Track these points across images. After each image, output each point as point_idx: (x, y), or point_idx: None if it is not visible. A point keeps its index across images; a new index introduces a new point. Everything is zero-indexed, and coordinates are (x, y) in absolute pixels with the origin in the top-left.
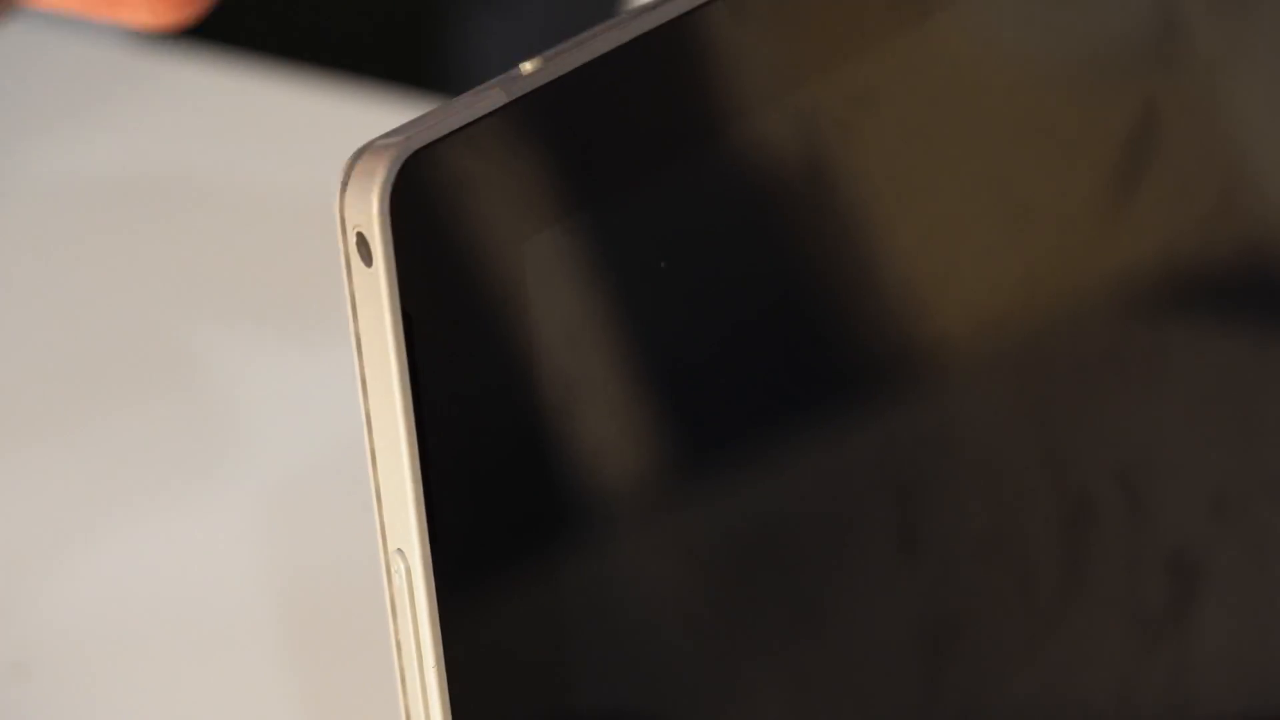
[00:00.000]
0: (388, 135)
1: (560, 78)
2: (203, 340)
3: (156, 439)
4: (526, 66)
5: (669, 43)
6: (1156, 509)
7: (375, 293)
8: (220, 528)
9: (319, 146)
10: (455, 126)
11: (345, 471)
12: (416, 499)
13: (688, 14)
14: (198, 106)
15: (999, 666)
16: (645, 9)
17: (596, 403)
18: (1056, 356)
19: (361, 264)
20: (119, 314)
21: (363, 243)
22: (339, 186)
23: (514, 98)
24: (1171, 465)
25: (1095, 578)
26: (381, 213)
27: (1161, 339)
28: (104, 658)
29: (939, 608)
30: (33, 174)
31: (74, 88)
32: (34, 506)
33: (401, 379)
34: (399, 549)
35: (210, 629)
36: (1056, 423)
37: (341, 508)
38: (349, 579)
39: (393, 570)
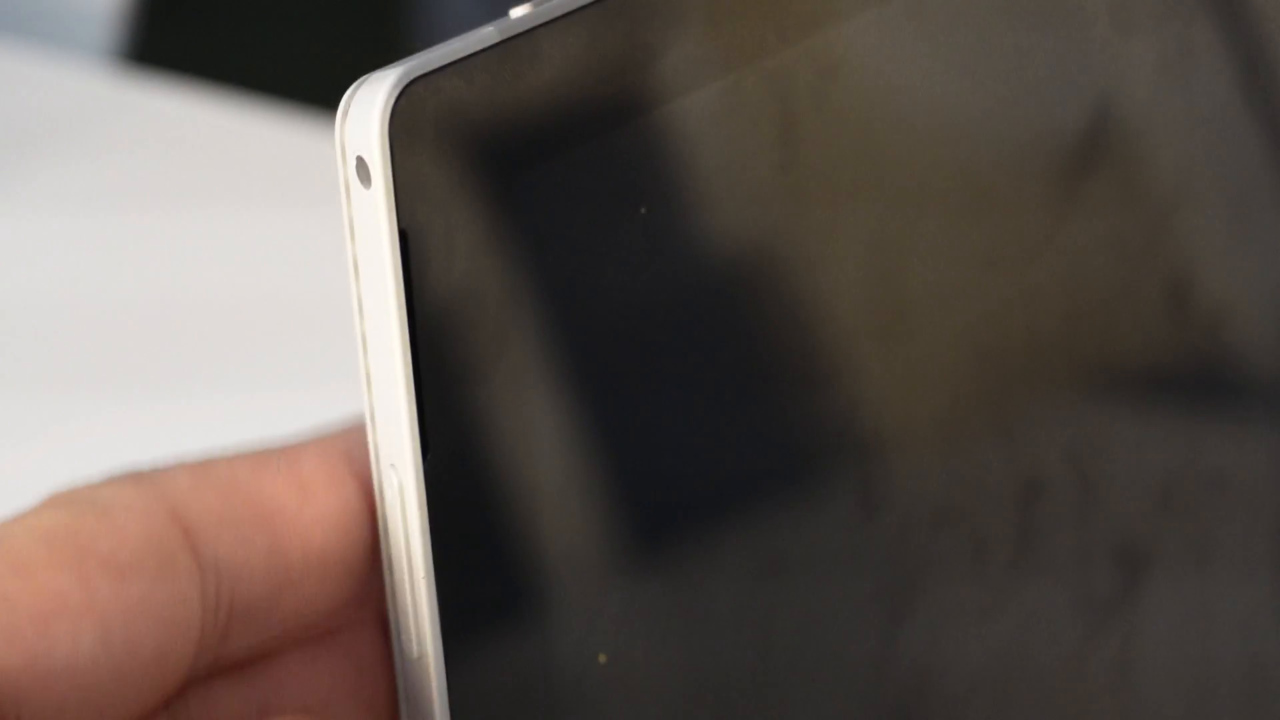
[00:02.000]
0: (386, 68)
1: (549, 21)
2: (183, 357)
3: (141, 448)
4: (517, 11)
5: None
6: (1103, 498)
7: (373, 212)
8: None
9: (294, 175)
10: (450, 60)
11: None
12: (410, 415)
13: None
14: (173, 136)
15: (952, 632)
16: None
17: (587, 330)
18: (1010, 341)
19: (360, 187)
20: (101, 334)
21: (362, 166)
22: (339, 117)
23: (506, 36)
24: (1119, 455)
25: (1044, 557)
26: (381, 134)
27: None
28: None
29: (895, 573)
30: (9, 202)
31: (49, 116)
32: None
33: (398, 294)
34: (392, 464)
35: None
36: (1011, 406)
37: None
38: None
39: (385, 486)
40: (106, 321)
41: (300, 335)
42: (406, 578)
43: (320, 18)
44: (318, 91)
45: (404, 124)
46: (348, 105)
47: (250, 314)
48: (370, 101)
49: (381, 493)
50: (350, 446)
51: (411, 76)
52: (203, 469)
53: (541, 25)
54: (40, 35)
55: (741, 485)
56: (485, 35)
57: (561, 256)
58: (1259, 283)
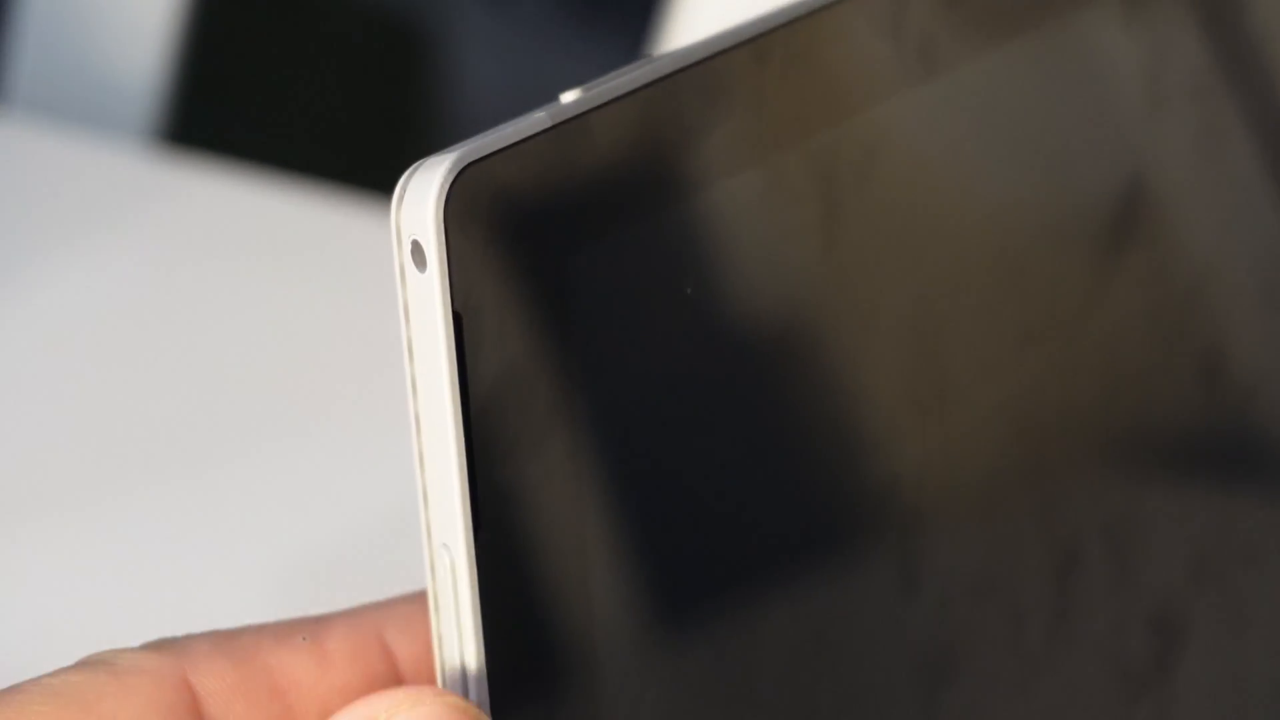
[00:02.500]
0: (441, 152)
1: (599, 106)
2: (221, 438)
3: (178, 526)
4: (568, 96)
5: (696, 81)
6: (1138, 569)
7: (428, 295)
8: (238, 607)
9: (330, 256)
10: (503, 145)
11: (351, 559)
12: (463, 495)
13: (712, 57)
14: (211, 217)
15: (992, 704)
16: (676, 52)
17: (633, 407)
18: (1047, 414)
19: (415, 270)
20: (130, 408)
21: (417, 249)
22: (395, 201)
23: (558, 121)
24: (1154, 527)
25: (1081, 627)
26: (437, 219)
27: (1147, 408)
28: None
29: (935, 645)
30: (45, 279)
31: (85, 195)
32: (66, 581)
33: (451, 377)
34: (444, 543)
35: None
36: (1048, 478)
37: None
38: None
39: (437, 565)
40: (146, 402)
41: (337, 412)
42: (458, 655)
43: (358, 99)
44: (356, 172)
45: (458, 208)
46: (403, 190)
47: (289, 391)
48: (426, 186)
49: (433, 571)
50: (384, 621)
51: (466, 161)
52: (225, 638)
53: (591, 110)
54: (78, 117)
55: (785, 561)
56: (537, 120)
57: (610, 336)
58: None
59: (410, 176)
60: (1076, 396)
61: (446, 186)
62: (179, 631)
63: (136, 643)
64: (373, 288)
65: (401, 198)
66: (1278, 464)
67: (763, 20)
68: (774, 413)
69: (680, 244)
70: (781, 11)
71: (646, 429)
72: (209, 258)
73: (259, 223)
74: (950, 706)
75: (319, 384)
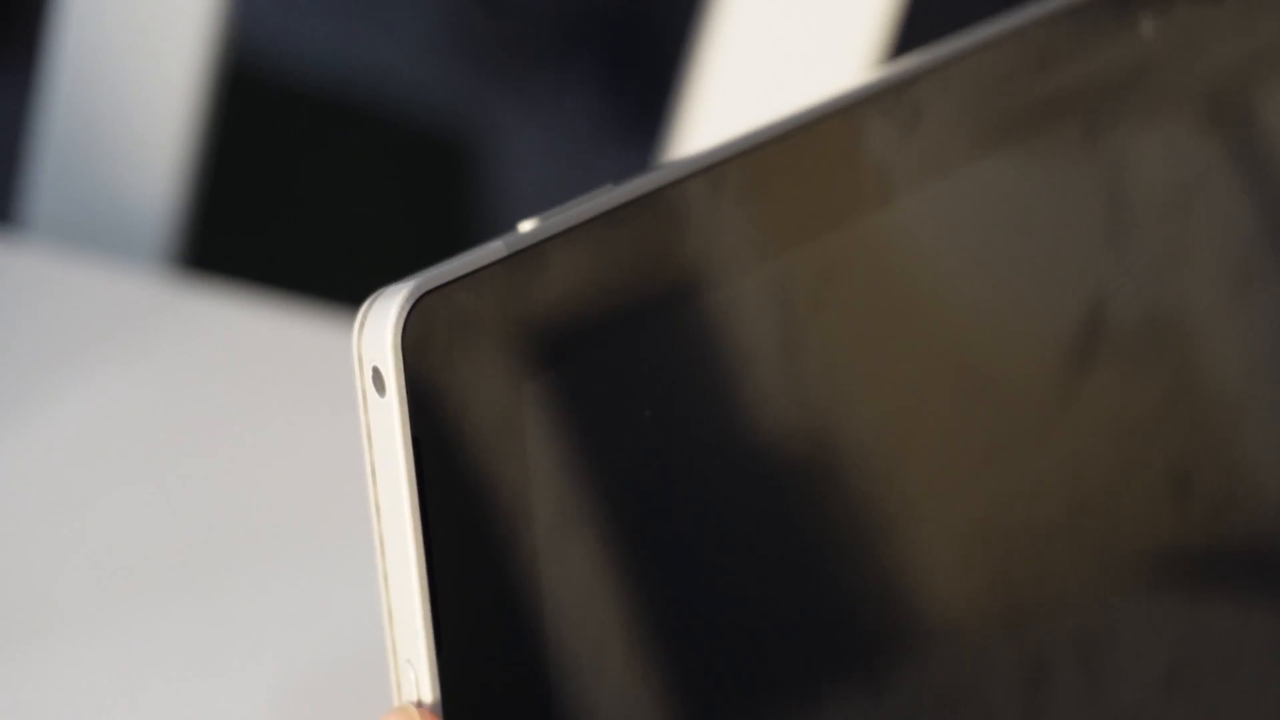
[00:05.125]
0: (401, 281)
1: (555, 235)
2: (222, 557)
3: (178, 642)
4: (525, 225)
5: (651, 210)
6: (1110, 680)
7: (389, 420)
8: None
9: (340, 380)
10: (461, 274)
11: (345, 673)
12: (425, 613)
13: (668, 186)
14: (223, 340)
15: None
16: (635, 180)
17: (588, 537)
18: (1015, 529)
19: (376, 395)
20: (144, 530)
21: (377, 376)
22: (355, 329)
23: (514, 250)
24: (1125, 638)
25: None
26: (395, 346)
27: (1115, 519)
28: None
29: None
30: (61, 404)
31: (101, 321)
32: (67, 695)
33: (412, 500)
34: (408, 659)
35: None
36: (1016, 591)
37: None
38: None
39: (403, 681)
40: (159, 525)
41: (347, 535)
42: None
43: (373, 223)
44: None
45: (416, 335)
46: (364, 317)
47: (300, 514)
48: (384, 314)
49: (399, 688)
50: None
51: (423, 290)
52: None
53: (547, 239)
54: (96, 243)
55: (743, 676)
56: (494, 249)
57: (569, 459)
58: (1260, 469)
59: (371, 304)
60: (1045, 510)
61: (404, 314)
62: None
63: None
64: None
65: (362, 325)
66: (1249, 574)
67: (722, 148)
68: (736, 532)
69: (637, 368)
70: (742, 139)
71: (604, 549)
72: (227, 383)
73: (278, 345)
74: None
75: (330, 507)
